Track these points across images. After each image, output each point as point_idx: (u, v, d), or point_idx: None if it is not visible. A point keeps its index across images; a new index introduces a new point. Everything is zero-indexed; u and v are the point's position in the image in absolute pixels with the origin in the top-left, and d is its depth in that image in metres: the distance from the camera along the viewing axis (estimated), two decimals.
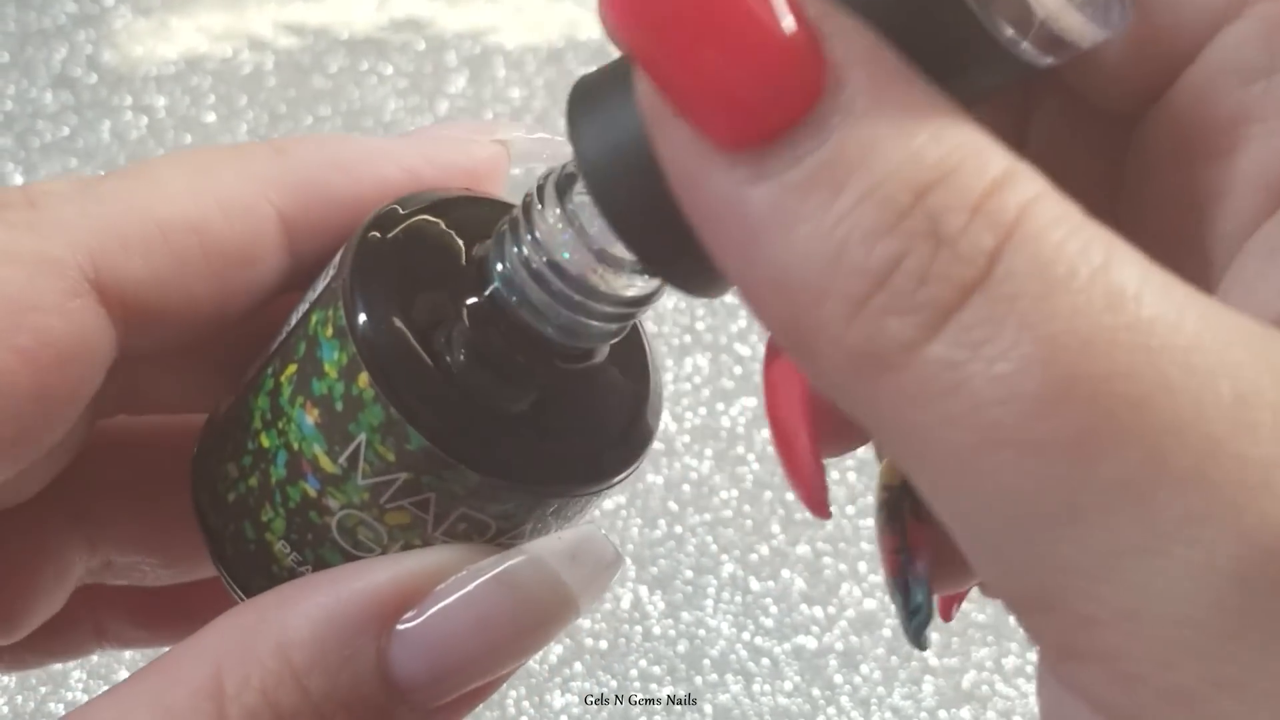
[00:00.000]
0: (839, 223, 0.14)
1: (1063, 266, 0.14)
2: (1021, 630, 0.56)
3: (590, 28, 0.67)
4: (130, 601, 0.29)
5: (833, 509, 0.55)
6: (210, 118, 0.64)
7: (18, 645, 0.27)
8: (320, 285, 0.22)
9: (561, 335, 0.21)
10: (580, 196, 0.20)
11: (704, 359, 0.59)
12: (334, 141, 0.24)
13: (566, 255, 0.20)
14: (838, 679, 0.52)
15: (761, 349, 0.59)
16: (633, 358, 0.23)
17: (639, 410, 0.23)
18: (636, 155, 0.16)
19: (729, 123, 0.14)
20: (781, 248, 0.14)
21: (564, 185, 0.20)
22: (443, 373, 0.20)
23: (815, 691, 0.52)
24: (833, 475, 0.56)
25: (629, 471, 0.22)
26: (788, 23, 0.14)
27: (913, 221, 0.14)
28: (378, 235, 0.22)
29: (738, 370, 0.59)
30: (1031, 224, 0.14)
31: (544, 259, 0.20)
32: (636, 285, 0.20)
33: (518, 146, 0.25)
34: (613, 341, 0.22)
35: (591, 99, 0.17)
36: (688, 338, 0.59)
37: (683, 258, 0.17)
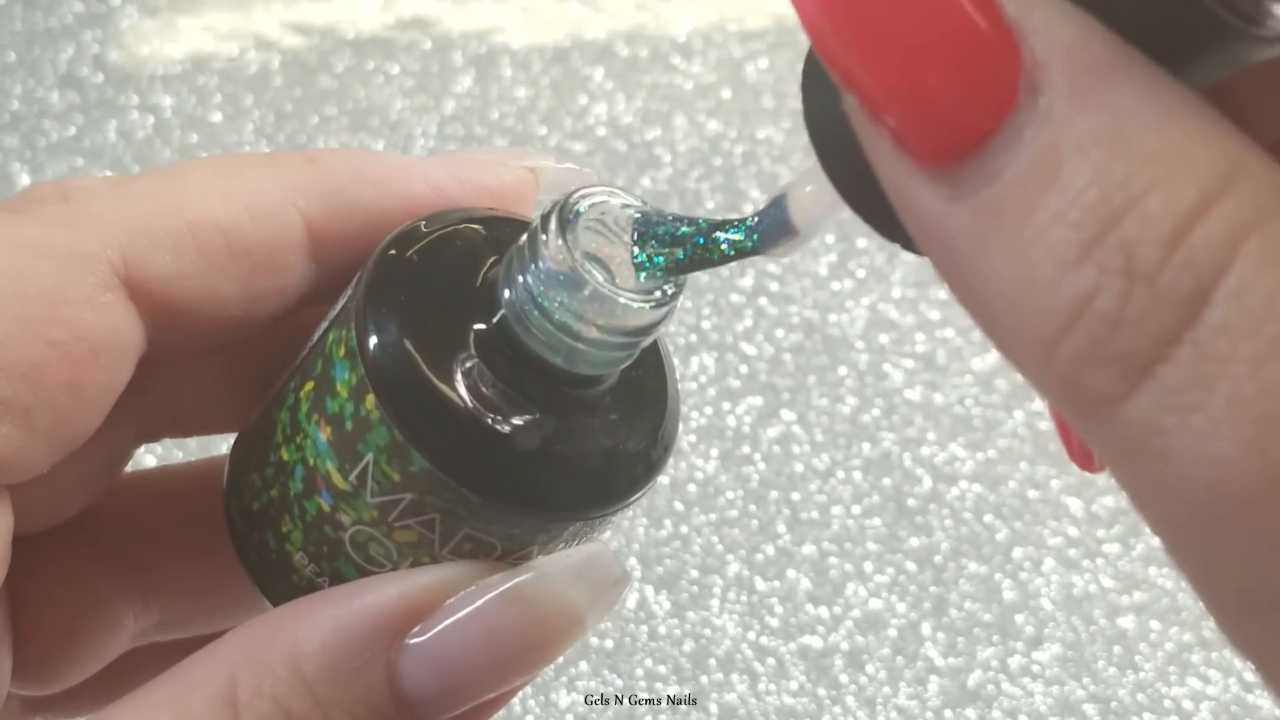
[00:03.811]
0: (1027, 251, 0.13)
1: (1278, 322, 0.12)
2: (1027, 629, 0.56)
3: (596, 27, 0.67)
4: (193, 647, 0.29)
5: (837, 509, 0.56)
6: (216, 117, 0.64)
7: (77, 692, 0.27)
8: (340, 303, 0.22)
9: (566, 363, 0.21)
10: (588, 225, 0.20)
11: (710, 358, 0.59)
12: (363, 155, 0.24)
13: (568, 285, 0.20)
14: (843, 679, 0.52)
15: (766, 349, 0.59)
16: (650, 379, 0.23)
17: (650, 434, 0.22)
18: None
19: (924, 135, 0.13)
20: (977, 272, 0.13)
21: (568, 215, 0.20)
22: (448, 397, 0.21)
23: (821, 691, 0.52)
24: (838, 475, 0.56)
25: (636, 496, 0.22)
26: (980, 19, 0.13)
27: (1104, 253, 0.12)
28: (395, 255, 0.22)
29: (743, 369, 0.59)
30: (1245, 261, 0.12)
31: (546, 288, 0.20)
32: (638, 315, 0.20)
33: (546, 176, 0.25)
34: (622, 367, 0.22)
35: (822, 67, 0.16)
36: (693, 337, 0.59)
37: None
